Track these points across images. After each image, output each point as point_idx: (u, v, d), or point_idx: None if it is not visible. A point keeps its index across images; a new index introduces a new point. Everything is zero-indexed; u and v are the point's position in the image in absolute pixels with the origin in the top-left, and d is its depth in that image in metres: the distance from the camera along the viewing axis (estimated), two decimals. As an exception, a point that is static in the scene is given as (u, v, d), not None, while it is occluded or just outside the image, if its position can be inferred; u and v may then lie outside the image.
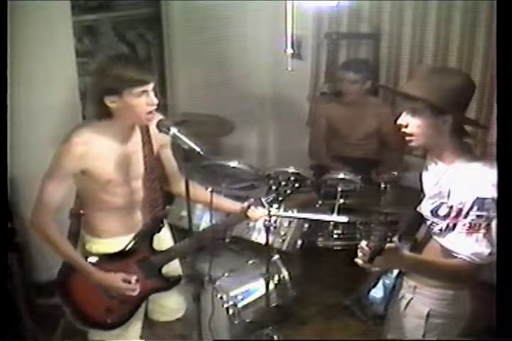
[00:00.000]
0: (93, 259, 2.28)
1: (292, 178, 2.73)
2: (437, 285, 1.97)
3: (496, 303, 1.45)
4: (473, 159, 1.90)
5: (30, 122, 3.22)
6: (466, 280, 1.95)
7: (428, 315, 1.99)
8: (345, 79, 3.59)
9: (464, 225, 1.81)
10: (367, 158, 3.80)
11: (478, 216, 1.79)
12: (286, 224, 3.09)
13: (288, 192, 2.65)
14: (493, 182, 1.71)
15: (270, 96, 4.56)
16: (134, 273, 2.31)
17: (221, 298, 2.88)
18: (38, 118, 3.28)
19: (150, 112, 2.17)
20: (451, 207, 1.85)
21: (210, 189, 2.53)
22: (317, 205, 3.22)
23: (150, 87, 2.14)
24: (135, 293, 2.29)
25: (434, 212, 1.91)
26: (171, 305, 2.61)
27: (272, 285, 2.97)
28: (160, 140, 2.33)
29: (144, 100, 2.13)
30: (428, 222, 1.96)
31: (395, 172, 3.26)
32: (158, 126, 2.15)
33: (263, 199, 2.55)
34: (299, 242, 3.14)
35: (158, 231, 2.38)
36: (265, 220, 2.62)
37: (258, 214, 2.56)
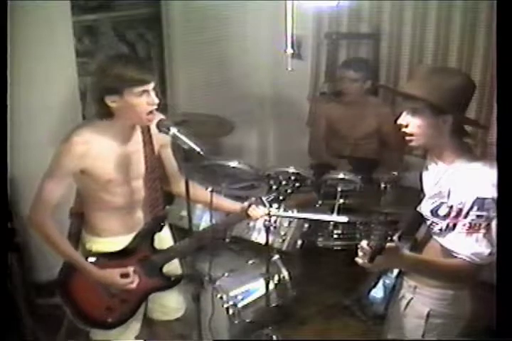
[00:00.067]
0: (93, 258, 2.28)
1: (292, 178, 2.72)
2: (437, 285, 1.97)
3: (496, 303, 1.45)
4: (473, 159, 1.90)
5: (30, 122, 3.22)
6: (466, 280, 1.95)
7: (428, 315, 1.99)
8: (346, 77, 3.58)
9: (464, 225, 1.81)
10: (367, 158, 3.79)
11: (478, 216, 1.79)
12: (286, 224, 3.09)
13: (288, 192, 2.65)
14: (493, 182, 1.71)
15: (270, 96, 4.56)
16: (135, 272, 2.31)
17: (221, 297, 2.88)
18: (38, 118, 3.27)
19: (151, 112, 2.17)
20: (451, 207, 1.85)
21: (210, 189, 2.54)
22: (317, 205, 3.21)
23: (150, 86, 2.14)
24: (134, 286, 2.29)
25: (434, 212, 1.91)
26: (170, 305, 2.60)
27: (272, 285, 2.97)
28: (160, 140, 2.33)
29: (144, 100, 2.13)
30: (428, 222, 1.96)
31: (395, 172, 3.26)
32: (158, 126, 2.15)
33: (264, 198, 2.55)
34: (299, 242, 3.14)
35: (160, 230, 2.39)
36: (265, 220, 2.61)
37: (259, 212, 2.55)
